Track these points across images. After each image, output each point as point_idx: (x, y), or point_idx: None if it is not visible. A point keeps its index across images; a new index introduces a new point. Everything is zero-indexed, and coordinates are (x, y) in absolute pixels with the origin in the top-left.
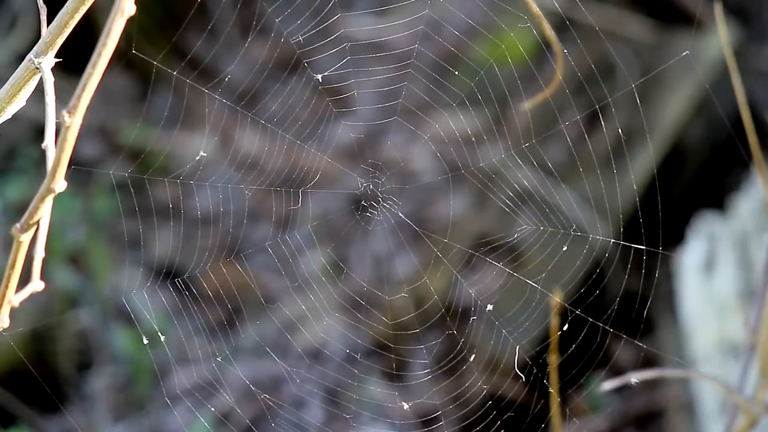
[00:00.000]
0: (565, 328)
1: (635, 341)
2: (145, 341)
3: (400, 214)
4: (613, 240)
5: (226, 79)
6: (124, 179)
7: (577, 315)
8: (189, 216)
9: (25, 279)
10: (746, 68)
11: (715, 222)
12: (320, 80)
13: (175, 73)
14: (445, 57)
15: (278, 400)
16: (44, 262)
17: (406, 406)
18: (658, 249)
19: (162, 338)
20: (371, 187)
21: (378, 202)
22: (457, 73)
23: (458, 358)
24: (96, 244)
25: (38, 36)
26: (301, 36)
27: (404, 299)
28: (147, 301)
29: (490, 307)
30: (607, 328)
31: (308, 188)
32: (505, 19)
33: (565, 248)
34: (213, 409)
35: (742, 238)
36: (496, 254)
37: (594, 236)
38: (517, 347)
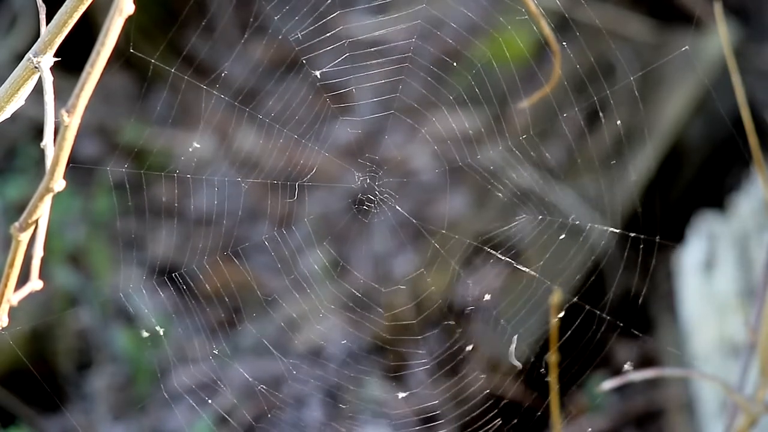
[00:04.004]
0: (557, 316)
1: (635, 332)
2: (145, 334)
3: (398, 207)
4: (601, 226)
5: (223, 74)
6: (124, 178)
7: (577, 314)
8: (189, 214)
9: (24, 278)
10: (746, 68)
11: (715, 222)
12: (318, 77)
13: (173, 70)
14: (445, 53)
15: (278, 399)
16: (44, 261)
17: (401, 396)
18: (656, 238)
19: (161, 331)
20: (368, 180)
21: (375, 195)
22: (455, 64)
23: (459, 356)
24: (96, 243)
25: (37, 35)
26: (300, 33)
27: (404, 298)
28: (146, 300)
29: (488, 296)
30: (606, 317)
31: (305, 182)
32: (505, 17)
33: (559, 236)
34: (214, 405)
35: (742, 238)
36: (496, 253)
37: (579, 222)
38: (505, 341)
